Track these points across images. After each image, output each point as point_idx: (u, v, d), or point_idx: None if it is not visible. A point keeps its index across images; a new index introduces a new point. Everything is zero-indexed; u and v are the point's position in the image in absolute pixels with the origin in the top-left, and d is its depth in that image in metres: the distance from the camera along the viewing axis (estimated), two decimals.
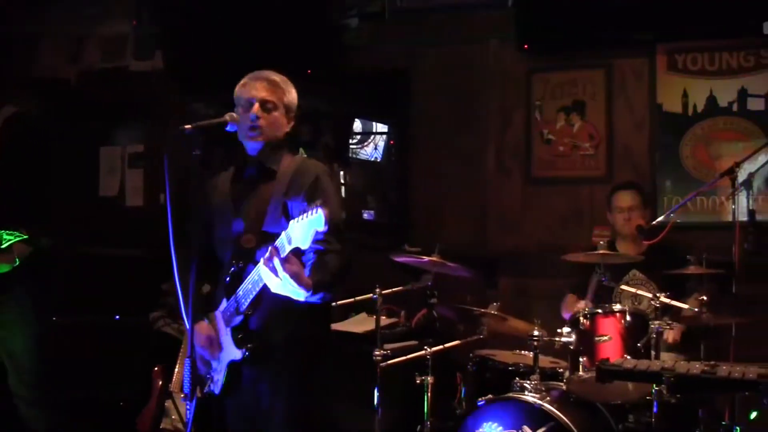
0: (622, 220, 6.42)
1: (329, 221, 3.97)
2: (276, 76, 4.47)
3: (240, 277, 4.27)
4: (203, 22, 7.82)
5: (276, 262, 3.91)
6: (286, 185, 4.33)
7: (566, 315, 6.24)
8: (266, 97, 4.38)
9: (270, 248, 3.95)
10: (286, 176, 4.36)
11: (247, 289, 4.20)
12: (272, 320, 4.27)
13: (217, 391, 4.43)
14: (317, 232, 3.81)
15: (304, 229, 3.78)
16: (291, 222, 3.85)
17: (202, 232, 4.55)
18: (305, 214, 3.77)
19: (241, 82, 4.48)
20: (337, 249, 4.20)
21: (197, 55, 7.88)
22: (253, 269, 4.18)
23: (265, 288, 4.09)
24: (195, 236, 4.44)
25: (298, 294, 4.02)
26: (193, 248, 4.27)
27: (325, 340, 4.63)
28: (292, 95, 4.49)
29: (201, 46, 7.83)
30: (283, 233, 3.91)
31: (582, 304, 5.93)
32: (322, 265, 4.15)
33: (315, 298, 4.11)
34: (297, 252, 4.00)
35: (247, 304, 4.21)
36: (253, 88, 4.41)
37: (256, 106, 4.37)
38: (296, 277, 3.95)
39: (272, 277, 3.96)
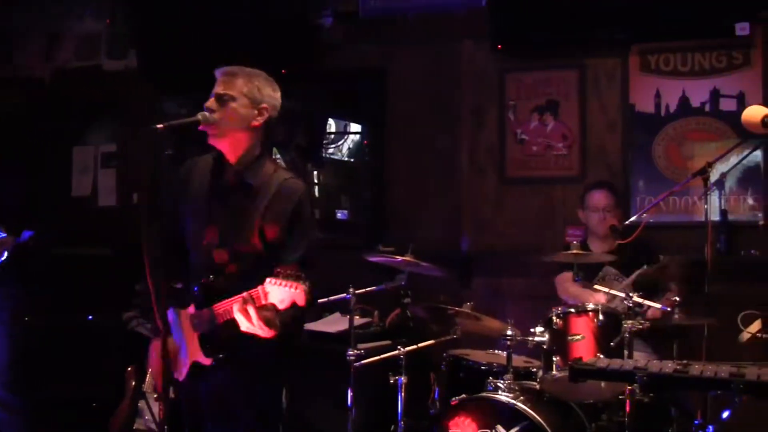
0: (597, 219, 6.45)
1: (306, 253, 4.14)
2: (236, 68, 4.41)
3: (210, 289, 4.27)
4: (177, 22, 7.80)
5: (251, 310, 3.97)
6: (264, 206, 4.29)
7: (564, 296, 6.25)
8: (221, 90, 4.33)
9: (247, 296, 3.98)
10: (264, 195, 4.31)
11: (220, 314, 4.20)
12: (242, 333, 4.22)
13: (180, 378, 4.43)
14: (294, 247, 3.88)
15: (283, 295, 3.85)
16: (271, 280, 3.86)
17: (170, 226, 4.53)
18: (288, 284, 3.82)
19: None
20: (308, 285, 4.18)
21: (171, 55, 7.87)
22: (225, 284, 4.24)
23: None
24: (166, 229, 4.43)
25: (266, 334, 4.07)
26: (163, 242, 4.26)
27: (297, 347, 4.62)
28: (255, 85, 4.38)
29: (174, 45, 7.81)
30: (260, 288, 3.92)
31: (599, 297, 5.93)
32: (273, 305, 4.10)
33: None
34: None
35: (221, 323, 4.22)
36: (215, 85, 4.38)
37: (211, 99, 4.32)
38: (268, 323, 4.01)
39: (244, 321, 4.01)
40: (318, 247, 4.41)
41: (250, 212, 4.26)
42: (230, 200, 4.39)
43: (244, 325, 4.02)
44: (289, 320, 4.13)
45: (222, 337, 4.26)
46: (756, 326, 5.44)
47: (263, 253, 4.28)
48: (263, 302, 3.94)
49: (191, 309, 4.36)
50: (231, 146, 4.38)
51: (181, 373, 4.43)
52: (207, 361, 4.28)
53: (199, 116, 4.24)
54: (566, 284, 6.37)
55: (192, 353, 4.36)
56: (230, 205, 4.38)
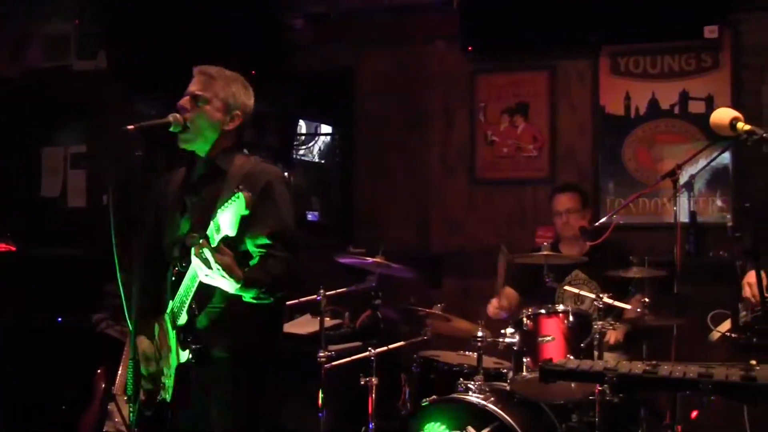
0: (561, 223, 6.48)
1: (276, 228, 4.01)
2: (216, 70, 4.37)
3: (184, 276, 4.20)
4: (147, 22, 7.77)
5: (207, 251, 3.87)
6: (234, 186, 4.25)
7: (489, 310, 6.28)
8: (197, 90, 4.29)
9: (201, 239, 3.91)
10: (236, 178, 4.23)
11: (187, 285, 4.14)
12: (219, 322, 4.21)
13: (168, 397, 4.33)
14: (259, 221, 3.82)
15: (229, 215, 3.76)
16: (218, 210, 3.82)
17: (151, 237, 4.51)
18: (229, 200, 3.75)
19: None
20: (284, 256, 4.15)
21: (141, 56, 7.83)
22: None
23: (209, 287, 4.06)
24: (143, 240, 4.41)
25: (229, 285, 3.96)
26: (141, 252, 4.25)
27: (275, 353, 4.55)
28: (232, 91, 4.35)
29: (145, 46, 7.78)
30: (211, 222, 3.87)
31: (494, 303, 5.99)
32: (260, 266, 4.12)
33: (248, 295, 4.06)
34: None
35: (189, 301, 4.15)
36: (191, 83, 4.34)
37: (186, 98, 4.29)
38: (227, 268, 3.91)
39: (203, 268, 3.91)
40: (295, 230, 4.32)
41: (222, 194, 4.13)
42: (203, 188, 4.35)
43: (204, 272, 3.93)
44: (257, 279, 4.05)
45: (198, 327, 4.21)
46: (726, 325, 5.46)
47: (236, 236, 4.23)
48: (217, 239, 3.86)
49: (169, 305, 4.32)
50: (201, 147, 4.35)
51: (168, 390, 4.33)
52: (183, 356, 4.20)
53: (170, 118, 4.21)
54: (504, 300, 6.40)
55: (174, 356, 4.29)
56: (203, 192, 4.34)
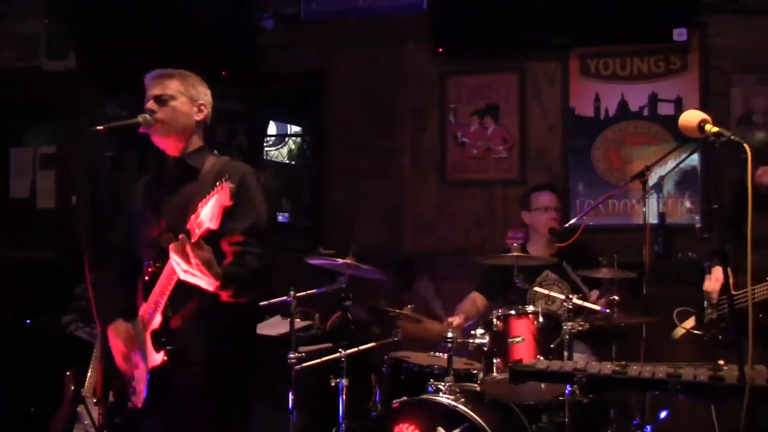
0: (546, 218, 6.48)
1: (252, 223, 4.01)
2: (169, 70, 4.41)
3: (158, 277, 4.18)
4: (117, 23, 7.74)
5: (187, 246, 3.85)
6: (209, 185, 4.14)
7: (461, 311, 6.29)
8: (159, 91, 4.31)
9: (180, 235, 3.89)
10: (209, 176, 4.27)
11: (163, 284, 4.12)
12: (193, 323, 4.21)
13: (140, 404, 4.31)
14: (236, 216, 3.81)
15: (211, 207, 3.75)
16: (201, 204, 3.81)
17: (123, 238, 4.50)
18: (209, 196, 3.75)
19: None
20: (258, 252, 4.16)
21: (111, 56, 7.80)
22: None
23: (184, 287, 4.05)
24: (114, 242, 4.40)
25: (207, 282, 3.96)
26: (111, 254, 4.24)
27: (251, 353, 4.58)
28: (190, 83, 4.40)
29: (115, 46, 7.75)
30: (192, 216, 3.87)
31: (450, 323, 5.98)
32: (237, 262, 4.11)
33: (226, 294, 4.05)
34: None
35: (164, 301, 4.13)
36: (148, 88, 4.36)
37: (150, 101, 4.30)
38: (207, 264, 3.90)
39: (181, 263, 3.89)
40: (269, 226, 4.34)
41: (196, 194, 4.12)
42: (176, 188, 4.37)
43: (183, 268, 3.91)
44: (235, 275, 4.05)
45: (172, 328, 4.19)
46: (690, 322, 5.51)
47: (211, 234, 4.23)
48: (198, 233, 3.85)
49: (143, 307, 4.31)
50: (174, 144, 4.37)
51: (140, 396, 4.31)
52: (158, 359, 4.17)
53: (140, 118, 4.22)
54: (474, 304, 6.42)
55: (148, 360, 4.26)
56: (176, 191, 4.36)
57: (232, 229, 4.10)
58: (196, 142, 4.43)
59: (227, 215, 3.89)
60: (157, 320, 4.18)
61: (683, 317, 5.55)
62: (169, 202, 4.36)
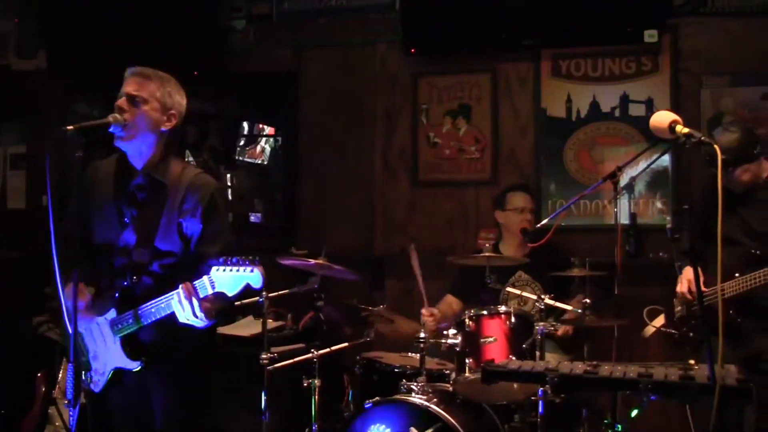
0: (520, 219, 6.50)
1: (224, 246, 4.17)
2: (150, 71, 4.38)
3: (133, 291, 4.25)
4: (88, 22, 7.70)
5: (195, 302, 3.97)
6: (179, 202, 4.28)
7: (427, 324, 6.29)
8: (134, 91, 4.30)
9: (187, 285, 3.98)
10: (178, 192, 4.31)
11: (151, 312, 4.18)
12: (164, 334, 4.26)
13: (96, 390, 4.37)
14: (211, 241, 3.87)
15: (235, 281, 3.88)
16: (217, 268, 3.91)
17: (83, 231, 4.48)
18: (238, 268, 3.85)
19: None
20: (261, 268, 4.18)
21: (81, 55, 7.76)
22: (148, 284, 4.25)
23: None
24: (77, 238, 4.38)
25: (203, 324, 4.10)
26: (76, 251, 4.22)
27: (213, 350, 4.67)
28: (167, 90, 4.38)
29: (85, 45, 7.71)
30: (205, 278, 3.95)
31: (426, 314, 5.99)
32: (220, 294, 4.11)
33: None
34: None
35: (148, 323, 4.21)
36: (125, 84, 4.34)
37: (122, 99, 4.29)
38: (208, 313, 4.03)
39: (186, 312, 4.00)
40: (234, 243, 4.40)
41: (166, 210, 4.25)
42: (144, 201, 4.37)
43: (183, 317, 4.02)
44: (222, 310, 4.17)
45: (146, 339, 4.27)
46: (660, 320, 5.54)
47: (183, 250, 4.30)
48: (209, 292, 3.95)
49: (112, 314, 4.32)
50: (138, 149, 4.36)
51: (98, 384, 4.37)
52: (133, 365, 4.25)
53: (110, 118, 4.21)
54: (450, 307, 6.43)
55: (113, 360, 4.31)
56: (144, 205, 4.36)
57: (206, 253, 4.17)
58: (161, 150, 4.41)
59: (203, 236, 4.23)
60: (130, 329, 4.26)
61: (653, 315, 5.58)
62: (136, 216, 4.37)
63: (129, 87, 4.31)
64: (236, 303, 5.78)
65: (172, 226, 4.27)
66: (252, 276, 3.85)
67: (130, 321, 4.23)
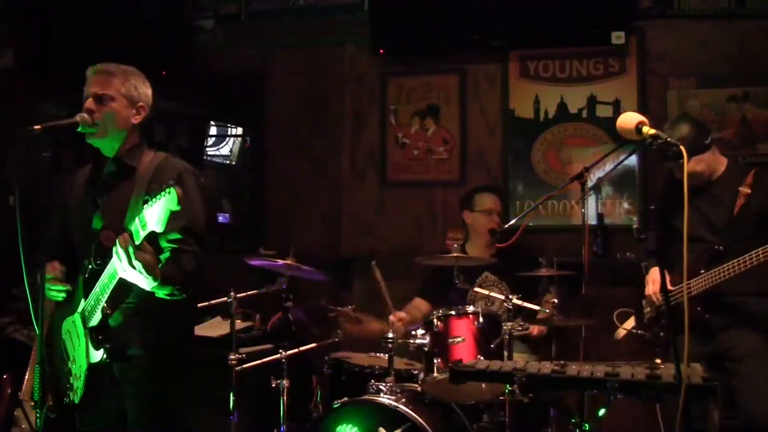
0: (486, 221, 6.51)
1: (189, 222, 4.01)
2: (113, 67, 4.38)
3: (99, 274, 4.17)
4: (55, 21, 7.66)
5: (130, 248, 3.84)
6: (147, 182, 4.24)
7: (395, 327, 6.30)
8: (99, 90, 4.29)
9: (124, 234, 3.87)
10: (146, 173, 4.29)
11: (104, 283, 4.12)
12: (133, 319, 4.21)
13: (77, 399, 4.29)
14: (174, 216, 3.78)
15: (157, 210, 3.73)
16: (144, 206, 3.78)
17: (59, 235, 4.47)
18: (158, 195, 3.72)
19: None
20: (195, 251, 4.19)
21: (49, 55, 7.72)
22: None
23: (122, 284, 4.04)
24: (49, 240, 4.37)
25: (146, 283, 3.96)
26: (45, 252, 4.20)
27: (189, 350, 4.62)
28: (132, 83, 4.38)
29: (53, 45, 7.67)
30: (135, 218, 3.85)
31: (394, 318, 6.00)
32: (175, 261, 4.12)
33: (163, 292, 4.07)
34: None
35: (104, 299, 4.12)
36: (88, 83, 4.33)
37: (90, 100, 4.27)
38: (148, 266, 3.90)
39: (124, 263, 3.88)
40: (204, 224, 4.35)
41: (133, 190, 4.22)
42: (113, 186, 4.36)
43: (123, 268, 3.91)
44: (173, 276, 4.06)
45: (111, 325, 4.19)
46: (630, 323, 5.57)
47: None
48: (141, 236, 3.84)
49: (82, 304, 4.29)
50: (111, 145, 4.36)
51: (77, 392, 4.29)
52: (97, 356, 4.18)
53: (77, 118, 4.19)
54: (419, 309, 6.45)
55: (85, 357, 4.26)
56: (114, 189, 4.35)
57: (171, 228, 4.03)
58: (133, 140, 4.42)
59: None
60: (97, 318, 4.17)
61: (623, 318, 5.61)
62: (106, 201, 4.35)
63: (94, 87, 4.30)
64: (204, 304, 5.84)
65: (140, 204, 4.15)
66: (170, 197, 3.67)
67: (92, 303, 4.19)
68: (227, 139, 8.55)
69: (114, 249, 3.91)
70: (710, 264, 5.10)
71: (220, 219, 8.35)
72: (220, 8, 8.16)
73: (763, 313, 5.19)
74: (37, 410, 4.24)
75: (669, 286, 5.07)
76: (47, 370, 4.30)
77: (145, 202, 3.79)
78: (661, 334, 5.32)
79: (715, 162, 5.31)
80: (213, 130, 8.54)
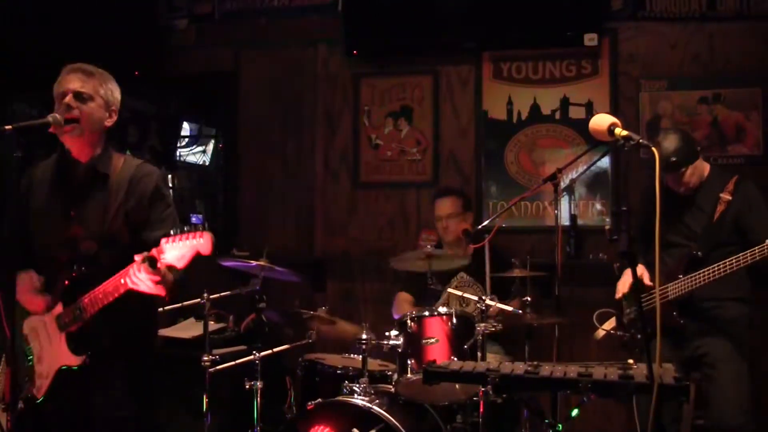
0: (441, 227, 6.55)
1: (172, 228, 4.05)
2: (91, 68, 4.40)
3: (80, 282, 4.23)
4: (26, 20, 7.61)
5: (144, 276, 3.97)
6: (124, 192, 4.32)
7: (395, 314, 6.32)
8: (79, 87, 4.31)
9: (139, 263, 3.96)
10: (122, 182, 4.35)
11: (98, 299, 4.16)
12: (104, 322, 4.23)
13: (39, 395, 4.33)
14: (163, 224, 4.02)
15: (183, 250, 3.86)
16: (167, 241, 3.89)
17: (17, 233, 4.45)
18: (186, 236, 3.85)
19: (58, 78, 4.40)
20: (210, 235, 4.25)
21: (20, 54, 7.67)
22: (95, 274, 4.19)
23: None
24: (14, 238, 4.35)
25: (159, 292, 4.12)
26: (13, 250, 4.19)
27: (153, 345, 4.71)
28: (109, 87, 4.42)
29: (24, 44, 7.62)
30: (154, 250, 3.92)
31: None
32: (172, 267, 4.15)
33: (165, 297, 4.25)
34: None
35: (93, 312, 4.18)
36: (67, 81, 4.33)
37: (69, 96, 4.28)
38: (167, 285, 4.08)
39: (140, 286, 4.02)
40: (179, 227, 4.40)
41: (111, 199, 4.30)
42: (88, 192, 4.37)
43: (147, 286, 4.02)
44: (179, 279, 4.20)
45: (90, 332, 4.24)
46: (610, 323, 5.59)
47: (130, 238, 4.31)
48: (161, 263, 3.93)
49: (58, 309, 4.32)
50: (83, 145, 4.37)
51: (40, 389, 4.33)
52: (77, 361, 4.23)
53: (50, 118, 4.18)
54: (404, 304, 6.46)
55: (58, 359, 4.29)
56: (89, 196, 4.36)
57: (154, 237, 4.13)
58: (101, 146, 4.45)
59: (150, 221, 4.28)
60: (76, 326, 4.24)
61: (603, 318, 5.63)
62: (80, 206, 4.36)
63: (73, 84, 4.31)
64: (177, 305, 5.84)
65: (119, 216, 4.30)
66: (199, 243, 3.87)
67: (77, 312, 4.22)
68: (200, 139, 8.53)
69: (125, 275, 4.02)
70: (688, 269, 5.14)
71: (194, 220, 8.32)
72: (193, 8, 8.13)
73: (737, 319, 5.25)
74: (8, 412, 4.22)
75: (647, 282, 5.12)
76: (22, 374, 4.31)
77: (168, 235, 3.92)
78: (639, 336, 5.35)
79: (702, 169, 5.38)
80: (186, 131, 8.52)
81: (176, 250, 3.86)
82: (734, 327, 5.25)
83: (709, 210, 5.27)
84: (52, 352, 4.30)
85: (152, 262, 3.94)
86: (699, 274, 5.08)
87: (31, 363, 4.39)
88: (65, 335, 4.26)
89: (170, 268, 4.01)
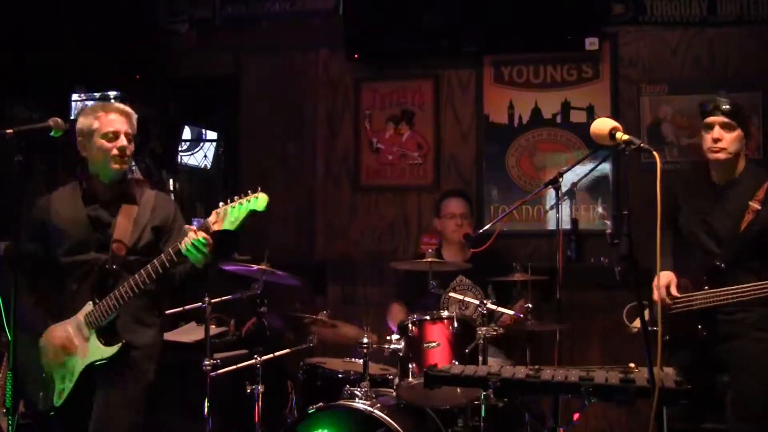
0: (454, 225, 6.55)
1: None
2: (126, 109, 4.73)
3: (116, 277, 4.52)
4: (27, 24, 7.61)
5: (202, 238, 4.41)
6: (150, 212, 4.73)
7: (392, 325, 6.31)
8: (129, 129, 4.66)
9: (195, 227, 4.44)
10: (148, 204, 4.75)
11: (133, 284, 4.44)
12: (133, 321, 4.62)
13: (59, 402, 4.52)
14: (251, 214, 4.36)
15: (239, 211, 4.32)
16: (224, 205, 4.37)
17: (38, 247, 4.66)
18: (243, 198, 4.33)
19: (91, 110, 4.63)
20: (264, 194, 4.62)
21: (20, 57, 7.67)
22: (124, 273, 4.52)
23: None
24: (26, 251, 4.43)
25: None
26: (21, 263, 4.26)
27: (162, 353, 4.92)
28: (134, 124, 4.76)
29: (24, 47, 7.62)
30: (213, 213, 4.41)
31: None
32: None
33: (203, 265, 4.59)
34: None
35: (123, 301, 4.46)
36: (116, 121, 4.63)
37: (122, 138, 4.60)
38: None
39: (196, 252, 4.41)
40: None
41: (138, 216, 4.69)
42: (115, 209, 4.67)
43: (197, 258, 4.44)
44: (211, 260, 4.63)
45: (118, 324, 4.53)
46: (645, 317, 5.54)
47: (153, 248, 4.68)
48: (212, 230, 4.40)
49: (88, 307, 4.51)
50: (118, 173, 4.70)
51: (62, 393, 4.54)
52: (111, 351, 4.48)
53: (50, 122, 4.21)
54: (399, 315, 6.46)
55: (87, 356, 4.50)
56: (116, 212, 4.66)
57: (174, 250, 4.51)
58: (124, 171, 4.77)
59: (174, 235, 4.71)
60: (107, 321, 4.49)
61: (633, 313, 5.57)
62: (109, 219, 4.66)
63: (125, 126, 4.67)
64: (178, 309, 5.85)
65: (149, 231, 4.73)
66: (257, 200, 4.39)
67: (110, 305, 4.46)
68: (201, 143, 8.53)
69: (190, 235, 4.43)
70: (713, 280, 5.01)
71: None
72: (194, 12, 8.13)
73: (759, 322, 5.09)
74: (9, 417, 4.24)
75: (674, 293, 5.03)
76: (19, 377, 4.33)
77: (229, 202, 4.41)
78: (666, 337, 5.26)
79: (741, 150, 5.17)
80: (187, 134, 8.52)
81: (233, 212, 4.31)
82: (756, 331, 5.10)
83: (737, 217, 5.05)
84: (80, 353, 4.39)
85: (207, 229, 4.35)
86: (727, 291, 4.92)
87: (46, 373, 4.48)
88: (95, 332, 4.48)
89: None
